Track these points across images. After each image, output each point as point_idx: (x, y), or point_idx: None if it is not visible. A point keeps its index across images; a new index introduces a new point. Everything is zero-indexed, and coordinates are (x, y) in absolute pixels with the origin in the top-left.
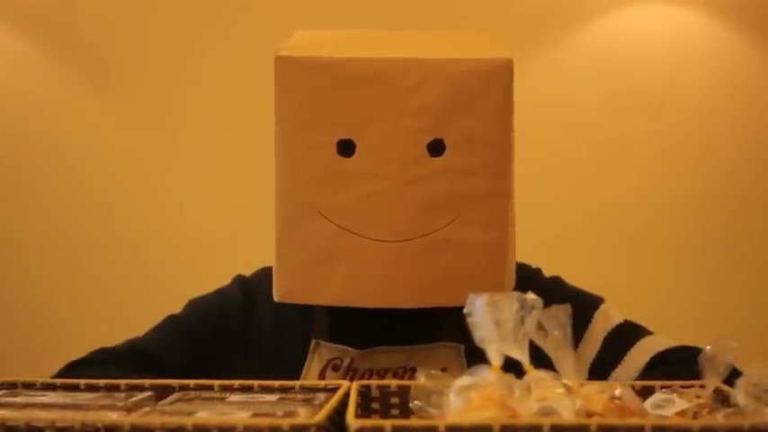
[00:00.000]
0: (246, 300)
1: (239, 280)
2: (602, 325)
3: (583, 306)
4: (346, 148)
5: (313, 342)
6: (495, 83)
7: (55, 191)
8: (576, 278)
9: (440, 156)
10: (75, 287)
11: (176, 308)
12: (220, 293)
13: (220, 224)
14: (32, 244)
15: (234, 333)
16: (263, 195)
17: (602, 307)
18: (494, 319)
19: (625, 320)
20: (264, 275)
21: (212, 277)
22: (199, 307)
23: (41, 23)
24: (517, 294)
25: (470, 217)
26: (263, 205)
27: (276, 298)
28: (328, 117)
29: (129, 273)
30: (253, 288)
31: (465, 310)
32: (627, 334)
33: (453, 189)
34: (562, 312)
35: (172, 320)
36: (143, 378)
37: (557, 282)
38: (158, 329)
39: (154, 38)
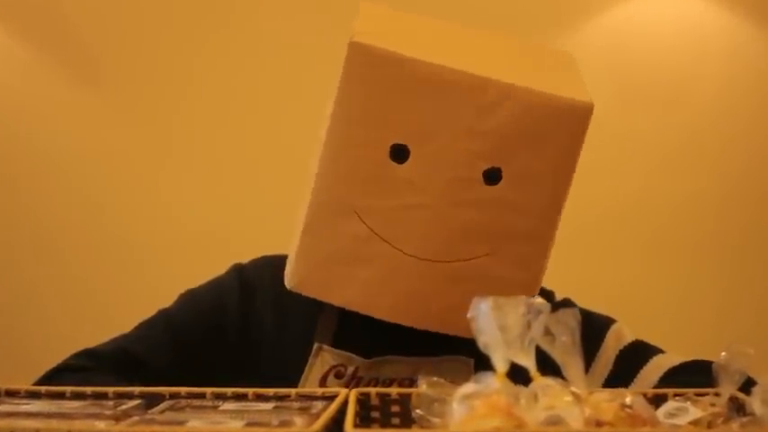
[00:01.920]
0: (244, 291)
1: (236, 269)
2: (613, 345)
3: (594, 327)
4: (400, 153)
5: (315, 345)
6: (570, 125)
7: (43, 190)
8: (586, 282)
9: (493, 185)
10: (63, 288)
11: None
12: (215, 284)
13: (213, 223)
14: (20, 244)
15: (230, 328)
16: (257, 194)
17: (614, 327)
18: (499, 324)
19: (636, 339)
20: (264, 263)
21: (206, 277)
22: (191, 300)
23: (29, 18)
24: (523, 298)
25: (506, 253)
26: (256, 204)
27: (289, 284)
28: (390, 117)
29: (120, 273)
30: (251, 278)
31: (469, 315)
32: (639, 353)
33: (498, 222)
34: (570, 317)
35: (162, 315)
36: (129, 381)
37: (567, 304)
38: (147, 325)
39: (145, 32)
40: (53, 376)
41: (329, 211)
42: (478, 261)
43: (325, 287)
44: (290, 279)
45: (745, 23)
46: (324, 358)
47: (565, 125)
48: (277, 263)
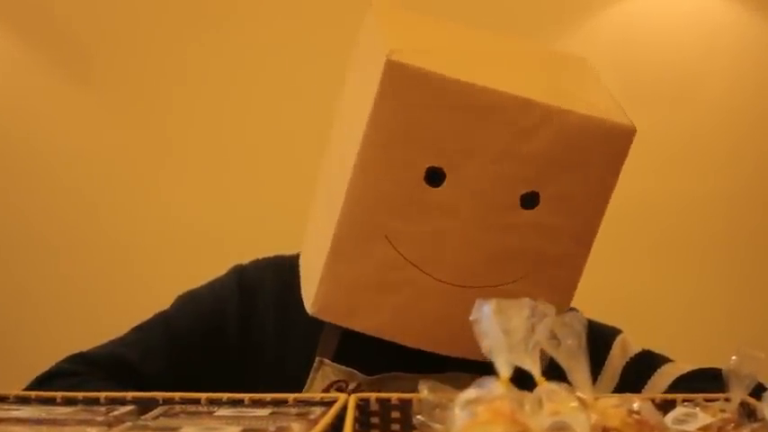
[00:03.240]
0: (245, 293)
1: (236, 270)
2: (620, 356)
3: (600, 338)
4: (435, 176)
5: (317, 359)
6: (612, 149)
7: (36, 189)
8: (592, 286)
9: (530, 209)
10: (56, 289)
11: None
12: (215, 286)
13: (209, 222)
14: (12, 244)
15: (230, 330)
16: (254, 193)
17: (619, 338)
18: (502, 328)
19: (644, 350)
20: (265, 265)
21: (203, 277)
22: (190, 302)
23: (21, 15)
24: (527, 300)
25: (540, 277)
26: (253, 203)
27: (311, 310)
28: (427, 139)
29: (114, 274)
30: (252, 279)
31: (471, 318)
32: (647, 363)
33: (533, 246)
34: (576, 320)
35: (160, 318)
36: (123, 387)
37: None
38: (144, 328)
39: (139, 29)
40: (44, 381)
41: (358, 235)
42: (511, 286)
43: (351, 313)
44: (312, 304)
45: (756, 18)
46: (325, 372)
47: (606, 149)
48: (278, 264)
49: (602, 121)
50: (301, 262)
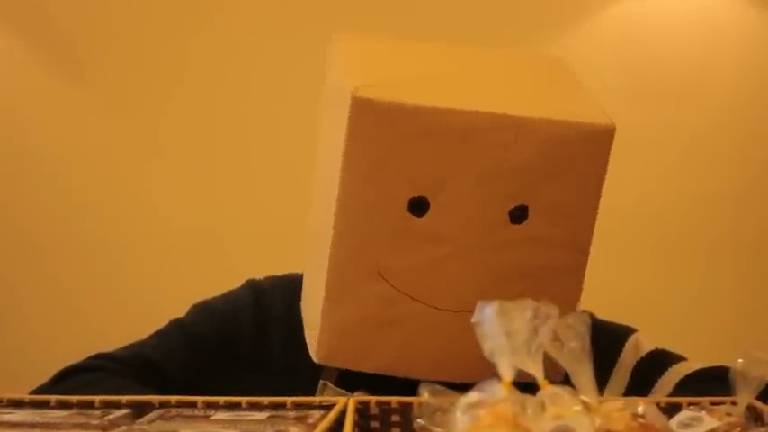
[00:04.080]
0: (258, 307)
1: (250, 285)
2: (631, 356)
3: (612, 339)
4: (419, 206)
5: (321, 382)
6: (594, 151)
7: (28, 187)
8: (596, 287)
9: (520, 224)
10: (47, 289)
11: (159, 312)
12: (229, 297)
13: (206, 224)
14: (6, 244)
15: (243, 340)
16: (251, 194)
17: (632, 338)
18: (505, 330)
19: (655, 349)
20: (278, 283)
21: (198, 280)
22: (204, 311)
23: (13, 12)
24: (530, 302)
25: (543, 289)
26: (250, 204)
27: (316, 358)
28: (404, 170)
29: (107, 274)
30: (266, 296)
31: (473, 320)
32: (657, 362)
33: (529, 261)
34: (579, 322)
35: (176, 324)
36: (146, 386)
37: None
38: (161, 334)
39: (134, 26)
40: (70, 373)
41: (351, 277)
42: None
43: (358, 356)
44: (315, 352)
45: (761, 15)
46: (328, 396)
47: (588, 151)
48: (289, 283)
49: (579, 125)
50: (302, 304)
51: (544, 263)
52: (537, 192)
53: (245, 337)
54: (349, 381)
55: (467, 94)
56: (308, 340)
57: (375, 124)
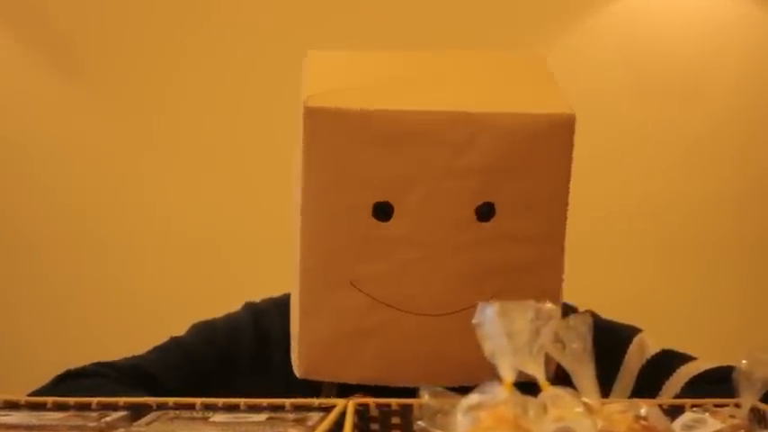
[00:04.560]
0: (258, 331)
1: (249, 307)
2: (637, 358)
3: (616, 340)
4: (383, 211)
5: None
6: (554, 142)
7: (23, 186)
8: (597, 288)
9: (489, 221)
10: (46, 293)
11: (157, 312)
12: (229, 318)
13: (204, 224)
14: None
15: (243, 359)
16: (249, 192)
17: (637, 338)
18: (506, 331)
19: (662, 350)
20: (277, 306)
21: (195, 281)
22: (204, 330)
23: (12, 11)
24: (532, 303)
25: (521, 284)
26: (249, 203)
27: (299, 374)
28: (364, 176)
29: (106, 277)
30: (266, 321)
31: (474, 321)
32: (664, 364)
33: (502, 257)
34: (581, 323)
35: (175, 342)
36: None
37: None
38: (160, 350)
39: (133, 26)
40: (70, 376)
41: (323, 288)
42: (494, 301)
43: (339, 368)
44: (297, 367)
45: (766, 12)
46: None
47: (550, 142)
48: (287, 307)
49: (537, 116)
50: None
51: (518, 259)
52: (502, 187)
53: (244, 357)
54: (349, 393)
55: (425, 95)
56: (291, 355)
57: (330, 132)
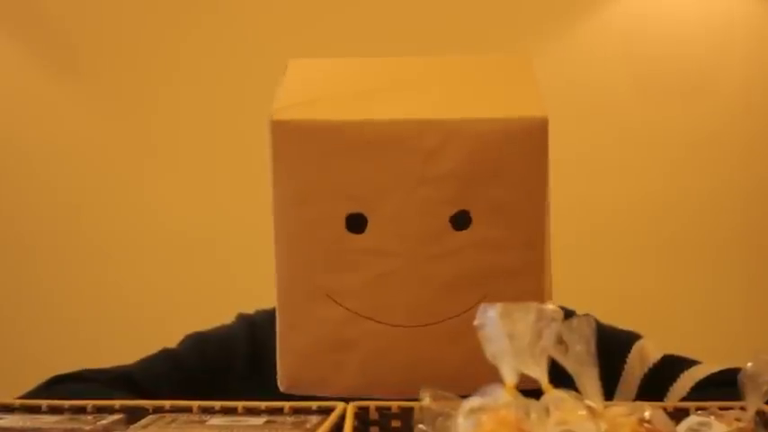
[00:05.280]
0: (254, 342)
1: (243, 318)
2: (638, 366)
3: (615, 346)
4: (356, 223)
5: None
6: (527, 146)
7: (20, 186)
8: (600, 289)
9: (465, 229)
10: (43, 293)
11: (154, 312)
12: (223, 329)
13: (201, 224)
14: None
15: (235, 372)
16: (247, 193)
17: (637, 345)
18: (507, 332)
19: (664, 356)
20: (270, 319)
21: (192, 283)
22: (197, 341)
23: (9, 11)
24: (534, 304)
25: (501, 293)
26: (246, 204)
27: (282, 388)
28: (335, 188)
29: (103, 277)
30: (261, 333)
31: (476, 323)
32: (667, 370)
33: (481, 266)
34: (584, 325)
35: (166, 354)
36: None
37: None
38: (151, 361)
39: (129, 22)
40: (56, 382)
41: (299, 299)
42: (473, 312)
43: (320, 382)
44: (281, 382)
45: None
46: None
47: (522, 146)
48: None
49: (508, 121)
50: None
51: (497, 266)
52: (476, 194)
53: (238, 368)
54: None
55: (396, 104)
56: (278, 378)
57: (297, 145)
